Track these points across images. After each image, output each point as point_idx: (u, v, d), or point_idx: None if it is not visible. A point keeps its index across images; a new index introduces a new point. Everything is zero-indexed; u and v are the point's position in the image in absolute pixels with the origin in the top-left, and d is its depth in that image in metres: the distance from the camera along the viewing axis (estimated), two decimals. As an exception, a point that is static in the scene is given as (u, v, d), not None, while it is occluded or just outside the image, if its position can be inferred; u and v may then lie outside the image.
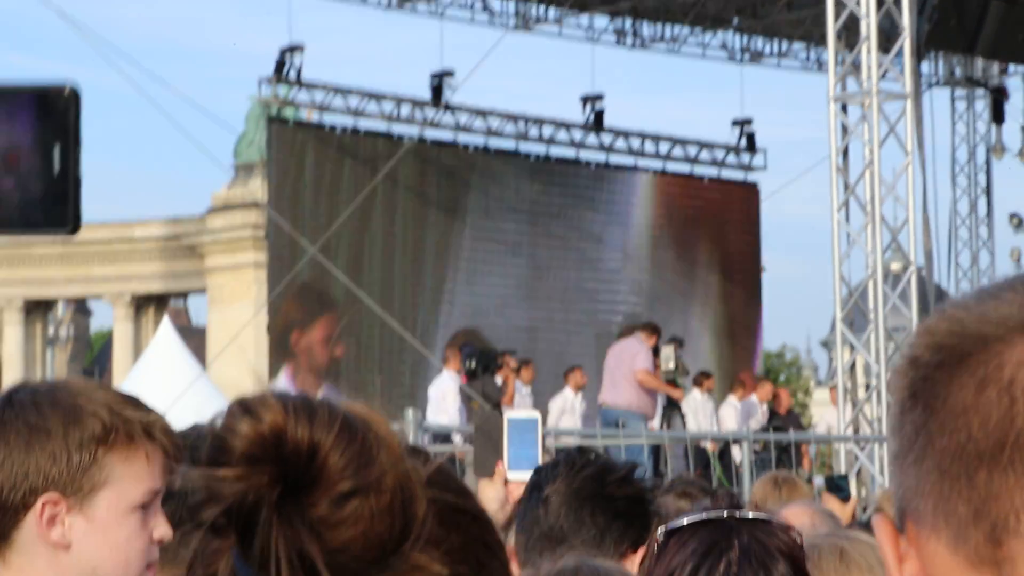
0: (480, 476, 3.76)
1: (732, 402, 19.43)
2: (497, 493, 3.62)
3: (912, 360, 1.08)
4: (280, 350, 23.96)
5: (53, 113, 1.74)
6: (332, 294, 23.74)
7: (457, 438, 15.02)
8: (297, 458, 1.15)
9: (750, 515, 2.48)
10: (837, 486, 7.47)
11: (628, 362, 16.56)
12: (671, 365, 16.78)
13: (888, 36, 17.84)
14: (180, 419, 2.51)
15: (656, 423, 16.94)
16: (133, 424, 2.22)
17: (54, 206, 1.74)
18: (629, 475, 3.13)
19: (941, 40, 19.80)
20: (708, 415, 18.51)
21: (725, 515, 2.46)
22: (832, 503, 7.03)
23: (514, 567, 2.94)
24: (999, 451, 1.02)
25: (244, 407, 1.16)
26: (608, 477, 3.10)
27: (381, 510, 1.17)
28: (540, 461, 3.78)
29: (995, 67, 26.34)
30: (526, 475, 3.72)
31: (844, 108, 17.99)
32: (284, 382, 23.56)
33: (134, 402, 2.26)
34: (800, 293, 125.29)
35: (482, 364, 17.24)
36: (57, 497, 2.18)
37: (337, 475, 1.16)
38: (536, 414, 3.97)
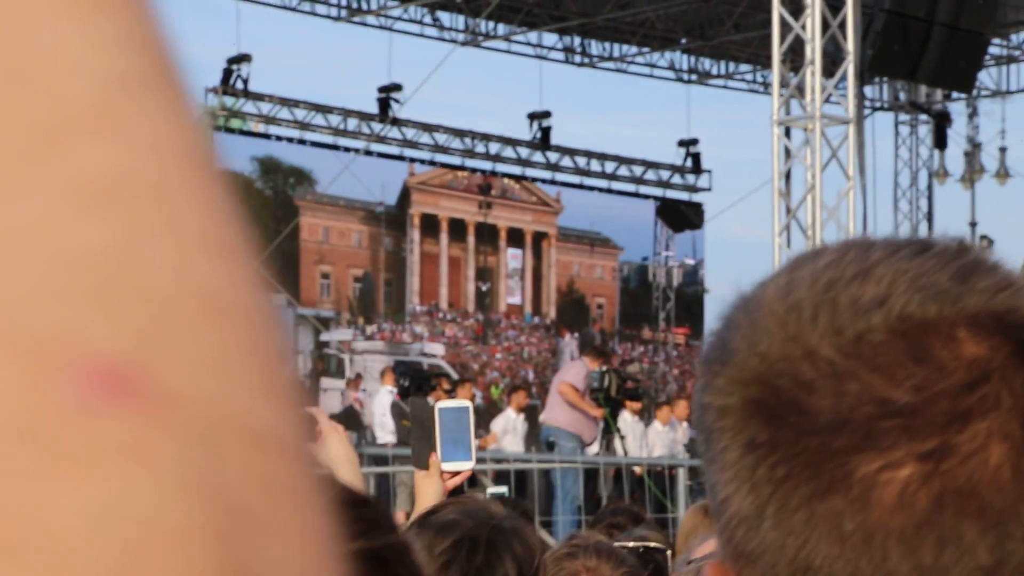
0: (419, 468, 3.64)
1: (657, 427, 18.72)
2: (435, 486, 3.55)
3: None
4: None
5: None
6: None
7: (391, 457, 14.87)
8: None
9: None
10: None
11: (561, 378, 16.44)
12: (607, 385, 16.38)
13: (833, 60, 17.91)
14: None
15: (597, 447, 16.67)
16: None
17: None
18: None
19: (884, 65, 19.87)
20: (638, 437, 18.01)
21: None
22: None
23: None
24: None
25: None
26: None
27: None
28: (473, 451, 3.67)
29: (939, 93, 26.51)
30: (460, 465, 3.62)
31: (787, 132, 18.04)
32: None
33: None
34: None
35: (415, 384, 17.12)
36: None
37: None
38: (467, 402, 3.83)
